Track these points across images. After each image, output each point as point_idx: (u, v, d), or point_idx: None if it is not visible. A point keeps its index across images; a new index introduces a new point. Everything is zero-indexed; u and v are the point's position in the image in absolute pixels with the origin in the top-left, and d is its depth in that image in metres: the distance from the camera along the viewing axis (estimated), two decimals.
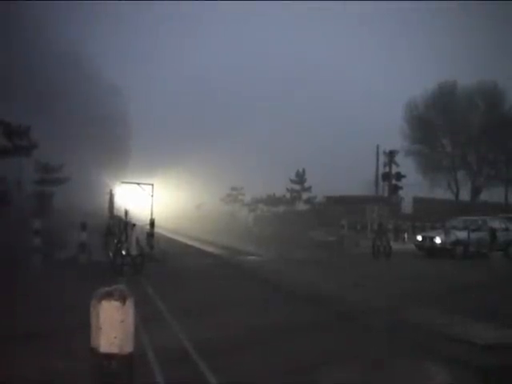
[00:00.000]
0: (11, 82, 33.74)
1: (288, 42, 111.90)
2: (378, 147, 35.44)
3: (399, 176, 29.28)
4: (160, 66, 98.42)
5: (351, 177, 50.40)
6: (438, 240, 24.53)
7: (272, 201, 66.14)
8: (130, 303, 2.90)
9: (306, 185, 64.83)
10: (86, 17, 67.62)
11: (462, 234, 24.33)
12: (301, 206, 65.15)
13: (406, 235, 36.53)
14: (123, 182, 21.56)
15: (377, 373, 6.49)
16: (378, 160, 35.27)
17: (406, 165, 39.68)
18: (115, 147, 41.18)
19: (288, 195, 65.75)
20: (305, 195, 65.08)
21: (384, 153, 33.15)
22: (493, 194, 53.67)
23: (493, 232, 24.78)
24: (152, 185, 20.64)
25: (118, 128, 44.08)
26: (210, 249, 24.54)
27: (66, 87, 38.21)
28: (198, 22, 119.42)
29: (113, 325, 2.84)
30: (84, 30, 46.21)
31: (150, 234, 18.93)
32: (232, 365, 6.43)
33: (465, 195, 53.86)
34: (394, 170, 30.50)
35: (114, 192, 21.70)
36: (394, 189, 29.96)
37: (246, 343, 7.57)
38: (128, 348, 2.90)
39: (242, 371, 6.23)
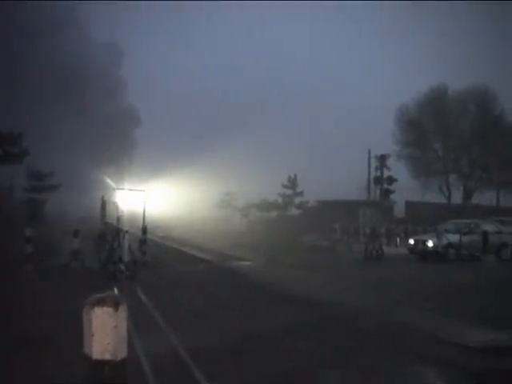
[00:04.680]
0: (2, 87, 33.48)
1: (281, 47, 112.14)
2: (369, 151, 35.48)
3: (391, 180, 29.42)
4: (156, 72, 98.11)
5: (343, 181, 50.48)
6: (430, 243, 24.59)
7: (264, 206, 66.09)
8: (122, 309, 2.90)
9: (298, 190, 64.93)
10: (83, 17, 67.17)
11: (454, 238, 24.37)
12: (293, 211, 65.23)
13: (398, 239, 36.60)
14: (115, 189, 21.50)
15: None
16: (369, 164, 35.32)
17: (397, 169, 39.87)
18: (111, 154, 40.98)
19: (280, 200, 65.79)
20: (297, 200, 65.15)
21: (376, 157, 33.27)
22: (484, 198, 54.00)
23: (485, 235, 24.86)
24: (144, 191, 20.59)
25: (115, 135, 43.77)
26: (202, 254, 24.45)
27: (62, 89, 37.88)
28: (196, 23, 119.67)
29: (105, 331, 2.84)
30: (81, 30, 45.68)
31: (143, 241, 18.90)
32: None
33: (457, 199, 54.10)
34: (386, 174, 30.62)
35: (106, 198, 21.63)
36: (386, 193, 30.09)
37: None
38: (121, 354, 2.90)
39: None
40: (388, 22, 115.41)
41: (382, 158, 31.07)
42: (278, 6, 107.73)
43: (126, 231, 15.40)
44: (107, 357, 2.84)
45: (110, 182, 22.77)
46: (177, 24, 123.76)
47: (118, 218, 17.00)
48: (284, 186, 65.32)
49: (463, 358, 7.18)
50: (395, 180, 29.39)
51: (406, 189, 44.25)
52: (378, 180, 30.07)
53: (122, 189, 20.66)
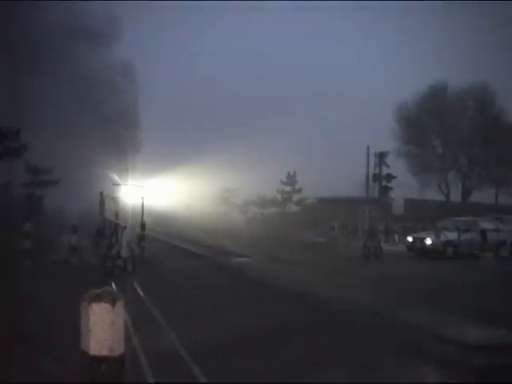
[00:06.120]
0: None
1: (282, 47, 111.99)
2: (368, 148, 35.34)
3: (390, 177, 29.31)
4: (158, 67, 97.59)
5: (342, 178, 50.38)
6: (428, 241, 24.58)
7: (263, 202, 66.12)
8: (120, 305, 2.89)
9: (297, 186, 64.94)
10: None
11: (452, 235, 24.36)
12: (292, 208, 65.26)
13: (396, 236, 36.54)
14: (115, 184, 21.50)
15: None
16: (368, 161, 35.21)
17: (396, 166, 39.74)
18: (111, 148, 40.51)
19: (279, 197, 65.80)
20: (296, 197, 65.16)
21: (375, 154, 33.16)
22: (483, 195, 53.91)
23: (483, 233, 24.84)
24: (142, 186, 20.61)
25: (115, 128, 43.15)
26: (201, 250, 24.44)
27: (58, 83, 37.37)
28: (200, 23, 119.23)
29: (103, 327, 2.82)
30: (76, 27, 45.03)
31: (141, 236, 18.88)
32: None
33: (456, 196, 54.03)
34: (385, 171, 30.51)
35: (105, 193, 21.62)
36: (385, 190, 30.01)
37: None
38: (119, 350, 2.88)
39: None
40: (388, 21, 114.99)
41: (381, 155, 30.96)
42: (278, 6, 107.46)
43: (125, 227, 15.38)
44: (105, 353, 2.82)
45: (112, 176, 22.77)
46: (180, 23, 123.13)
47: (117, 214, 16.99)
48: (283, 183, 65.35)
49: (462, 355, 7.17)
50: (394, 177, 29.29)
51: (405, 186, 44.16)
52: (377, 177, 29.97)
53: (121, 184, 20.68)
